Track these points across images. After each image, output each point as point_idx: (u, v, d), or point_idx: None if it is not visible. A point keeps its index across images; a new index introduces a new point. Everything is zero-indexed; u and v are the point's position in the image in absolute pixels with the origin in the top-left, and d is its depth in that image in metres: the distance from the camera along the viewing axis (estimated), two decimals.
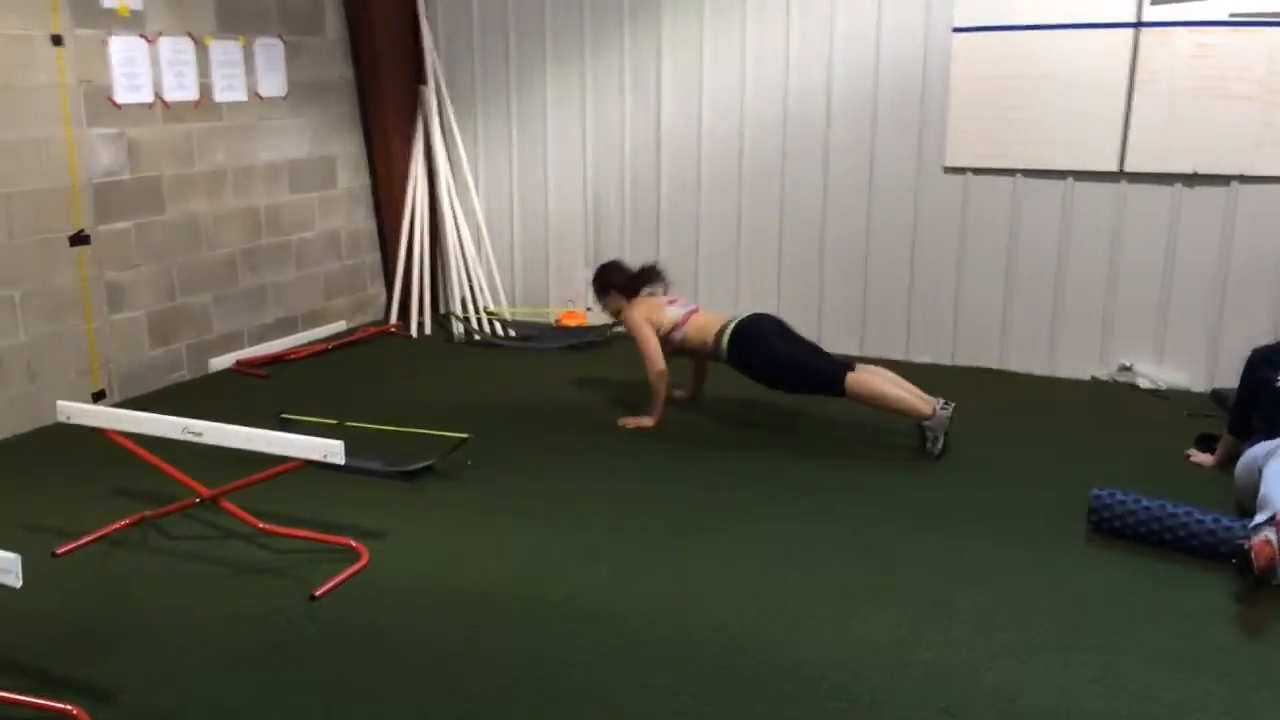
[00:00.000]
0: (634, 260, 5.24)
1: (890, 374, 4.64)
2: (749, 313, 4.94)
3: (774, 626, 3.15)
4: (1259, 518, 3.36)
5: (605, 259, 5.47)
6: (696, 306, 5.01)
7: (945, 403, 4.48)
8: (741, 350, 4.73)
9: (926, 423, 4.45)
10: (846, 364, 4.63)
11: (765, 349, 4.70)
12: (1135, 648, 3.01)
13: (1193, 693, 2.80)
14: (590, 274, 5.09)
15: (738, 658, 2.98)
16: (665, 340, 4.90)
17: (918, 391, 4.56)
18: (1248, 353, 4.25)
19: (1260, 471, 3.62)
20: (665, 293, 5.07)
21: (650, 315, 4.91)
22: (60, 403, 3.77)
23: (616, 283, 5.03)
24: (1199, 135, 5.15)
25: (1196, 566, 3.47)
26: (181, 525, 3.84)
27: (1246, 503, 3.74)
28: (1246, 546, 3.23)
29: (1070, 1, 5.24)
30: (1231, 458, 4.11)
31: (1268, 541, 3.21)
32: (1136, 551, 3.59)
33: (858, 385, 4.51)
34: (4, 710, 2.69)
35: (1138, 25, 5.16)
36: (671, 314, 4.91)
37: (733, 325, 4.78)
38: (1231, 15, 4.98)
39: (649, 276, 5.04)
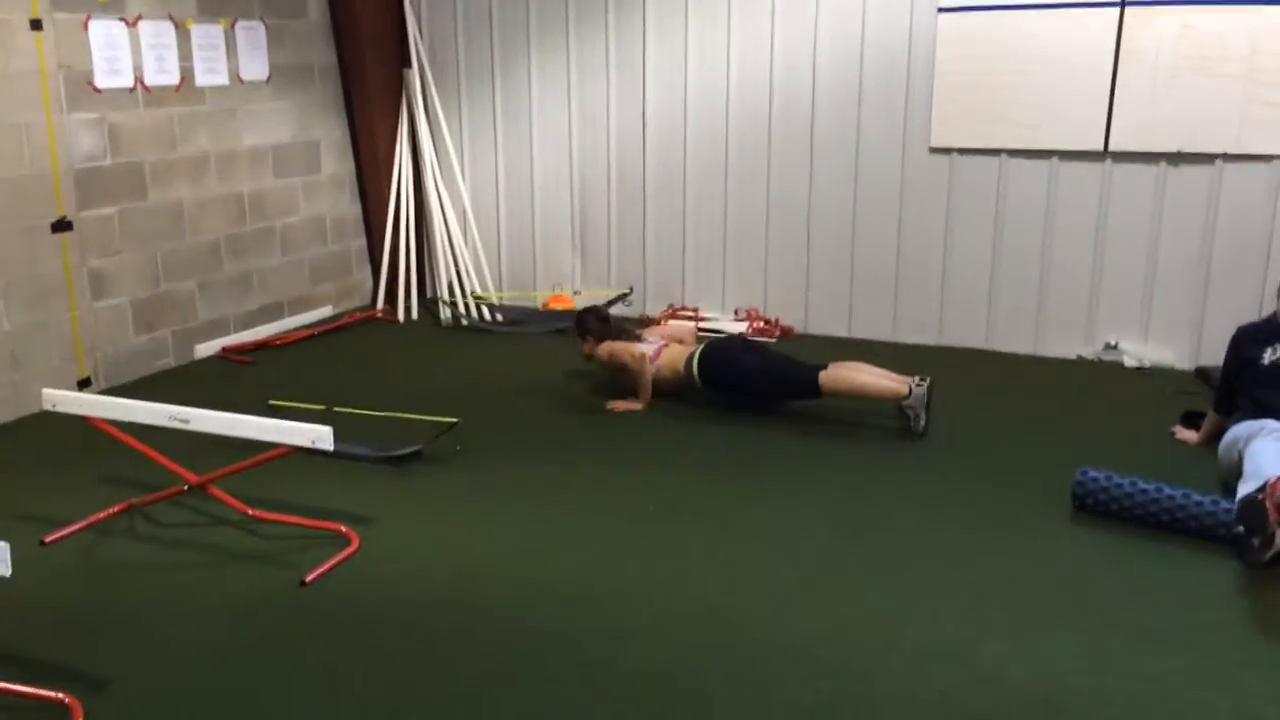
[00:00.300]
0: (618, 245, 5.29)
1: (862, 364, 4.70)
2: (711, 339, 5.10)
3: (765, 608, 3.16)
4: (1247, 488, 3.38)
5: (592, 241, 5.50)
6: (665, 342, 5.09)
7: (920, 379, 4.52)
8: (712, 371, 4.84)
9: (906, 402, 4.50)
10: (817, 364, 4.68)
11: (734, 365, 4.82)
12: (1122, 626, 3.04)
13: (1179, 669, 2.82)
14: (577, 259, 5.12)
15: (730, 639, 3.00)
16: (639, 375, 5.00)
17: (892, 374, 4.61)
18: (1232, 330, 4.27)
19: (1241, 453, 3.65)
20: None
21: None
22: (46, 391, 3.75)
23: (593, 329, 5.16)
24: (1183, 114, 5.16)
25: (1181, 545, 3.50)
26: (170, 512, 3.83)
27: (1229, 481, 3.77)
28: (1260, 498, 3.20)
29: None
30: (1216, 435, 4.14)
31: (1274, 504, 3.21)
32: (1122, 530, 3.62)
33: (832, 381, 4.58)
34: None
35: (1122, 4, 5.16)
36: (643, 349, 5.01)
37: (699, 350, 4.90)
38: None
39: (621, 331, 5.21)
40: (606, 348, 5.06)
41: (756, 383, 4.78)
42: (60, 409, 3.71)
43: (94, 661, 2.90)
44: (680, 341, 5.14)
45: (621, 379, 5.05)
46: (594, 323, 5.20)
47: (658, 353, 5.00)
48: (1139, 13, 5.14)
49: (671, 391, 5.00)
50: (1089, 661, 2.86)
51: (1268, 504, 3.19)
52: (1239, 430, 3.82)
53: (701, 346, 4.95)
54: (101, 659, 2.92)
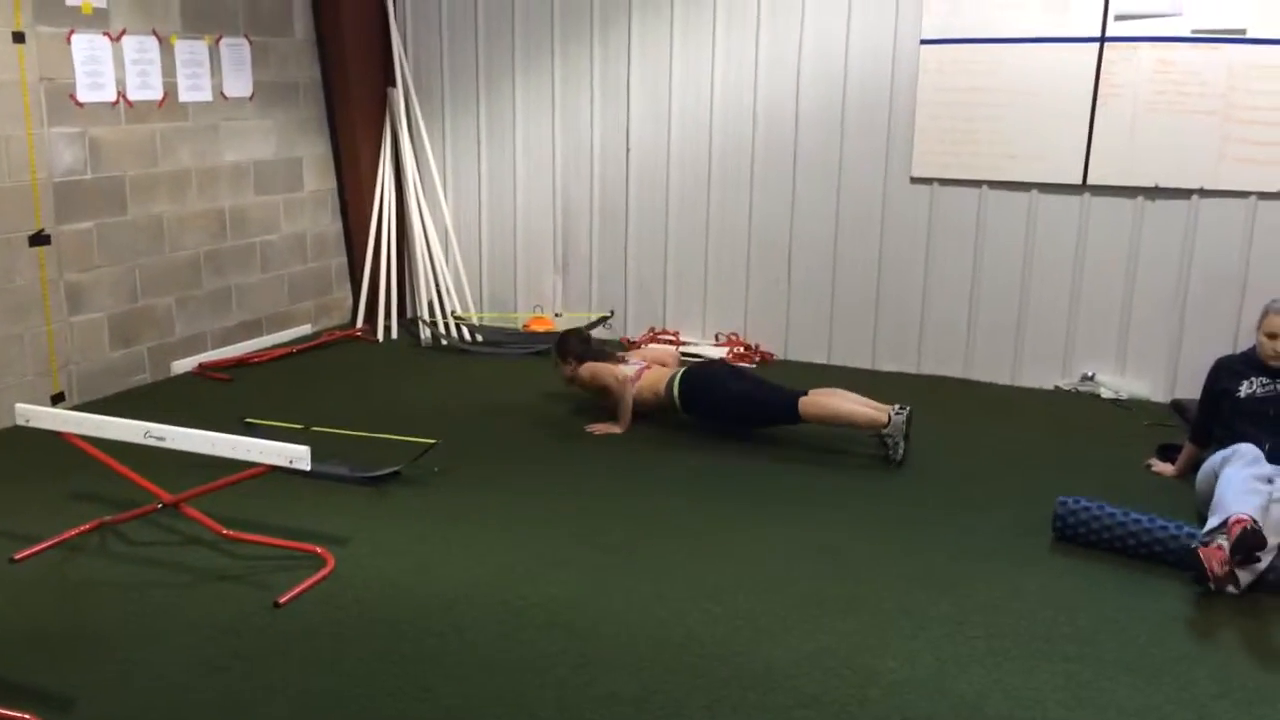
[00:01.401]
0: (600, 268, 5.36)
1: (842, 391, 4.72)
2: (694, 363, 5.17)
3: (743, 635, 3.15)
4: (1211, 523, 3.41)
5: (574, 264, 5.56)
6: (648, 364, 5.12)
7: (899, 407, 4.53)
8: (693, 396, 4.85)
9: (885, 430, 4.51)
10: (797, 391, 4.70)
11: (716, 390, 4.83)
12: (1099, 656, 3.04)
13: (1156, 701, 2.83)
14: (559, 280, 5.17)
15: (707, 666, 2.98)
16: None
17: (871, 402, 4.63)
18: (1207, 363, 4.32)
19: (1218, 476, 3.68)
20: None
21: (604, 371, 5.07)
22: (19, 405, 3.71)
23: (575, 350, 5.18)
24: (1161, 149, 5.22)
25: (1160, 575, 3.51)
26: (143, 531, 3.78)
27: (1207, 511, 3.79)
28: (1196, 548, 3.30)
29: (1036, 16, 5.31)
30: (1193, 466, 4.18)
31: (1220, 547, 3.26)
32: (1100, 560, 3.63)
33: (812, 407, 4.59)
34: None
35: (1102, 40, 5.23)
36: (624, 370, 5.03)
37: (680, 373, 4.93)
38: (1193, 31, 5.06)
39: (603, 353, 5.24)
40: (589, 369, 5.07)
41: (737, 408, 4.79)
42: (33, 424, 3.67)
43: (61, 681, 2.85)
44: (662, 364, 5.16)
45: (603, 400, 5.05)
46: (576, 344, 5.22)
47: (639, 374, 5.02)
48: (1118, 48, 5.20)
49: (651, 413, 5.00)
50: (1067, 692, 2.86)
51: (1203, 556, 3.26)
52: (1216, 458, 3.85)
53: (683, 370, 4.96)
54: (69, 678, 2.87)
